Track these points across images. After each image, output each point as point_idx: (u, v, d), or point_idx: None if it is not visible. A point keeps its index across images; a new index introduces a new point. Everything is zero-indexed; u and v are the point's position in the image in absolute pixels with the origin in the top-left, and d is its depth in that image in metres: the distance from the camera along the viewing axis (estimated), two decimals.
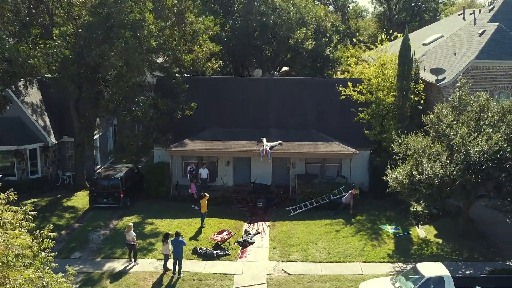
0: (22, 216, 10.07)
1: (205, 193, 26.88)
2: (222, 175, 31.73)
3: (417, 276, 18.53)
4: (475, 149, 21.38)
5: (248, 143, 30.96)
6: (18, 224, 9.36)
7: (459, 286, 18.49)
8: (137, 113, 28.36)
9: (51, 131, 33.53)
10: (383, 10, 70.45)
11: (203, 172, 30.53)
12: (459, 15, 42.97)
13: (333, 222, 27.07)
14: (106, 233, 26.03)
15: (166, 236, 21.73)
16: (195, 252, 23.46)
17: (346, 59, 40.33)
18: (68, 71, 23.76)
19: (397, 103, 30.51)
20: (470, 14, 38.61)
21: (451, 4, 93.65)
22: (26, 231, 9.98)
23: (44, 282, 9.02)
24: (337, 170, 32.02)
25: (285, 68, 57.10)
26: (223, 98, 33.62)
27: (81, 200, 30.58)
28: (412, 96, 31.14)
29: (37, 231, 10.74)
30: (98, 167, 35.38)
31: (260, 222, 27.36)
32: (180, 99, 30.31)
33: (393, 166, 24.28)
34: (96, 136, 34.68)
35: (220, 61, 33.33)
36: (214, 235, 24.62)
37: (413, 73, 31.27)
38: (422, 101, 31.36)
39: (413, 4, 66.33)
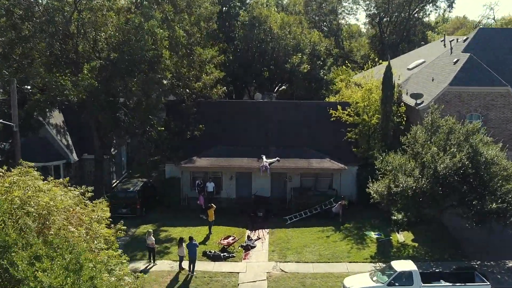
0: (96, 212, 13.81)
1: (212, 204, 30.81)
2: (226, 188, 35.65)
3: (390, 271, 22.44)
4: (441, 166, 25.40)
5: (250, 160, 34.95)
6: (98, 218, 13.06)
7: (426, 280, 22.38)
8: (152, 134, 32.33)
9: (73, 150, 37.48)
10: (375, 32, 74.81)
11: (210, 186, 34.50)
12: (441, 41, 47.22)
13: (324, 229, 30.95)
14: (126, 240, 29.85)
15: (180, 240, 25.63)
16: (205, 254, 27.32)
17: (338, 81, 44.45)
18: (98, 100, 27.88)
19: (381, 124, 34.62)
20: (451, 41, 42.84)
21: (445, 22, 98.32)
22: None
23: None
24: (329, 184, 35.95)
25: (283, 87, 61.33)
26: (227, 120, 37.66)
27: None
28: (395, 117, 35.23)
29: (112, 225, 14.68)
30: (114, 181, 39.29)
31: (261, 229, 31.23)
32: (189, 121, 34.34)
33: (374, 180, 28.29)
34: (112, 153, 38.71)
35: (224, 88, 37.47)
36: (221, 240, 28.51)
37: (395, 97, 35.45)
38: (404, 122, 35.42)
39: (402, 27, 70.70)
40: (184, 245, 25.43)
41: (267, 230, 31.09)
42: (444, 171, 25.31)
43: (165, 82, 29.56)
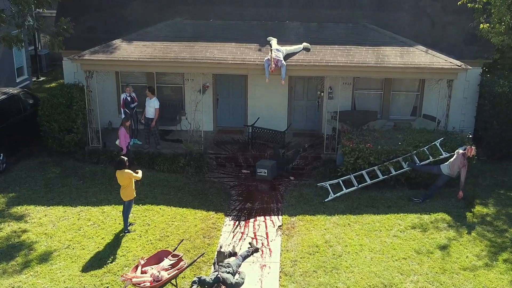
0: None
1: (125, 158, 11.44)
2: (190, 113, 16.43)
3: None
4: None
5: (242, 48, 15.43)
6: None
7: None
8: None
9: None
10: None
11: (150, 107, 15.29)
12: None
13: (427, 219, 11.96)
14: None
15: None
16: None
17: None
18: None
19: None
20: None
21: None
22: None
23: None
24: (413, 106, 16.72)
25: None
26: None
27: None
28: None
29: None
30: None
31: (262, 217, 12.30)
32: None
33: None
34: None
35: None
36: (137, 266, 9.53)
37: None
38: None
39: None
40: None
41: (277, 220, 12.14)
42: None
43: None
